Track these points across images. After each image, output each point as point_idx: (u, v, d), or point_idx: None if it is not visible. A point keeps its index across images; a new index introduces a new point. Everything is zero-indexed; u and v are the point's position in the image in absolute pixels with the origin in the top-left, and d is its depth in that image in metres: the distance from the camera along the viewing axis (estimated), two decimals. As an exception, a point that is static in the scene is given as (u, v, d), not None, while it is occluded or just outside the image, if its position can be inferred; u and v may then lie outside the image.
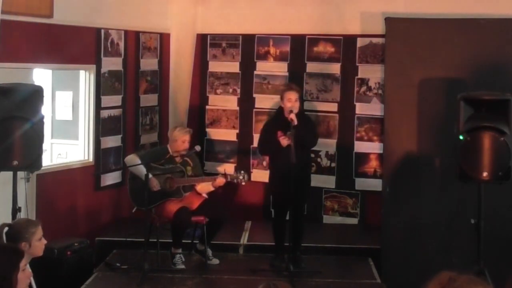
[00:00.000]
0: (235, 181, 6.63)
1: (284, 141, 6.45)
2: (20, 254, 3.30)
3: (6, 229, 3.89)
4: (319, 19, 7.94)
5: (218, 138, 8.40)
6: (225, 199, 7.95)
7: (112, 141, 7.66)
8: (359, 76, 7.85)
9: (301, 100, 7.33)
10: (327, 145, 7.91)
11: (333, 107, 7.96)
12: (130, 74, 7.87)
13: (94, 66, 7.38)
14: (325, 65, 7.97)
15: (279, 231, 6.74)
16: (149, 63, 8.12)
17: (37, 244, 4.03)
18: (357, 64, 7.86)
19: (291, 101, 6.57)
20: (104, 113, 7.55)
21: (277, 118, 6.79)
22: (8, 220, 5.19)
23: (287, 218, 6.63)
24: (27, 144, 5.68)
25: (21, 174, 6.02)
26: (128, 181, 6.85)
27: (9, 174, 5.77)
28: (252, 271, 6.51)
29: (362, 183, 7.89)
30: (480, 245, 5.65)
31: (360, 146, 7.89)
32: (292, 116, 6.43)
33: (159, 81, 8.27)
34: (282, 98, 6.68)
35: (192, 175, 6.73)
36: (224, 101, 8.37)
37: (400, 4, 7.42)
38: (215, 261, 6.79)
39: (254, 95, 8.24)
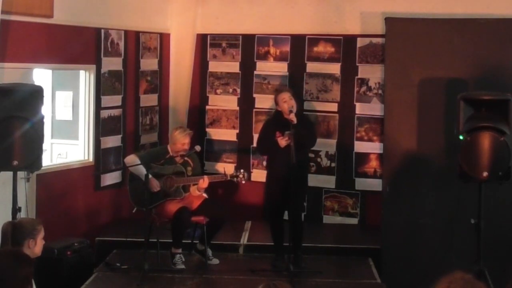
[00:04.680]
0: (235, 180, 6.63)
1: (282, 141, 6.45)
2: (32, 263, 3.26)
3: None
4: (319, 19, 7.94)
5: (218, 138, 8.39)
6: (225, 199, 7.96)
7: (112, 141, 7.66)
8: (359, 76, 7.85)
9: (300, 100, 7.33)
10: (327, 145, 7.91)
11: (333, 107, 7.95)
12: (130, 74, 7.87)
13: (94, 66, 7.38)
14: (325, 65, 7.97)
15: (276, 232, 6.74)
16: (149, 63, 8.12)
17: (41, 243, 4.05)
18: (357, 64, 7.86)
19: (286, 100, 6.59)
20: (104, 113, 7.54)
21: (276, 119, 6.79)
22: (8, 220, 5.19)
23: (285, 218, 6.63)
24: (27, 144, 5.68)
25: (21, 174, 6.01)
26: (128, 181, 6.85)
27: (9, 174, 5.77)
28: (252, 271, 6.51)
29: (362, 183, 7.89)
30: (480, 245, 5.66)
31: (360, 146, 7.89)
32: (292, 117, 6.43)
33: (159, 81, 8.27)
34: (277, 103, 6.71)
35: (192, 175, 6.73)
36: (224, 101, 8.37)
37: (400, 4, 7.42)
38: (215, 261, 6.79)
39: (254, 95, 8.24)
